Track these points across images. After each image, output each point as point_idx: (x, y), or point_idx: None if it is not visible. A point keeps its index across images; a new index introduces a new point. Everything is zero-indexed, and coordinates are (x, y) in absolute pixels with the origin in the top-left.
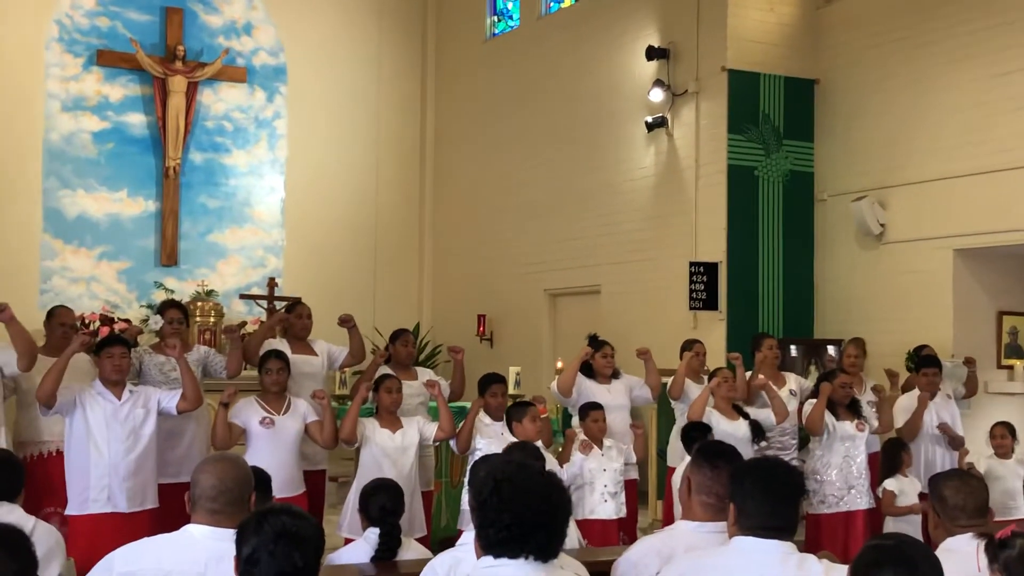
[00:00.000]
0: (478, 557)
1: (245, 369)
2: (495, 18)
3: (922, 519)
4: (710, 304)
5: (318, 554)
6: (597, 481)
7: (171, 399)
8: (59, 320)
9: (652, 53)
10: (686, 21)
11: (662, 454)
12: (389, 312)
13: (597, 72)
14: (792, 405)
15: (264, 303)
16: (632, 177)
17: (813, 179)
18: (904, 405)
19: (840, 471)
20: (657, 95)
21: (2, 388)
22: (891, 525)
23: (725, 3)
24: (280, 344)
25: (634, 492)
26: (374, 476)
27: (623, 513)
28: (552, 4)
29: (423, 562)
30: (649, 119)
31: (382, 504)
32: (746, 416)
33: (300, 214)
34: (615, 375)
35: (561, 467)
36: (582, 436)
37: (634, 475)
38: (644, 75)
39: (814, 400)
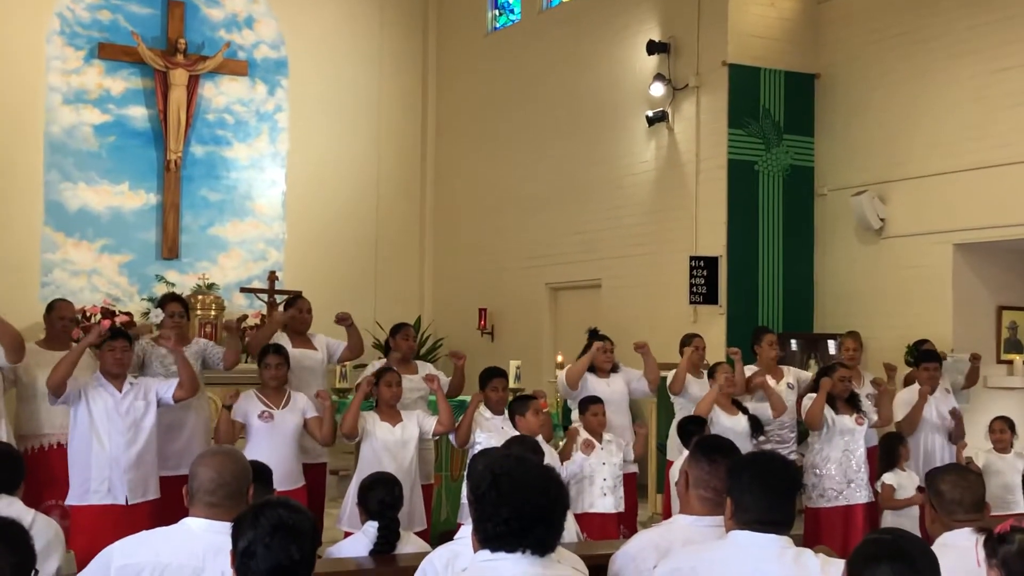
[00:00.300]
0: (476, 551)
1: (246, 362)
2: (496, 12)
3: (920, 513)
4: (710, 298)
5: (314, 547)
6: (596, 475)
7: (168, 388)
8: (59, 314)
9: (653, 47)
10: (687, 15)
11: (662, 448)
12: (390, 306)
13: (598, 66)
14: (790, 398)
15: (265, 296)
16: (633, 171)
17: (813, 174)
18: (904, 399)
19: (839, 465)
20: (658, 89)
21: (2, 380)
22: (889, 519)
23: None
24: (280, 338)
25: (633, 486)
26: (374, 470)
27: (622, 507)
28: None
29: (421, 556)
30: (650, 113)
31: (380, 498)
32: (745, 411)
33: (301, 207)
34: (614, 369)
35: (561, 463)
36: (584, 435)
37: (633, 469)
38: (645, 69)
39: (814, 394)
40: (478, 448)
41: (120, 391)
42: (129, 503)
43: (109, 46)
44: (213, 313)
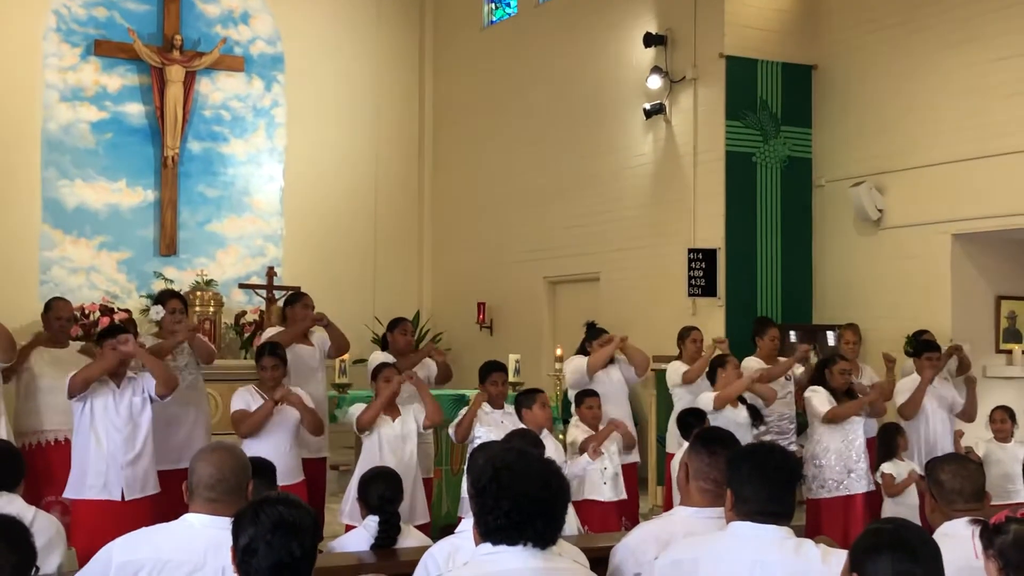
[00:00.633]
0: (477, 544)
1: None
2: (493, 6)
3: (920, 503)
4: (709, 291)
5: (315, 543)
6: (597, 466)
7: (153, 385)
8: (56, 313)
9: (650, 40)
10: (683, 8)
11: (661, 440)
12: (389, 300)
13: (595, 59)
14: (789, 390)
15: (263, 292)
16: (630, 164)
17: (811, 165)
18: (906, 386)
19: (839, 455)
20: (655, 82)
21: (1, 378)
22: (890, 509)
23: None
24: (279, 334)
25: (634, 476)
26: (375, 464)
27: (623, 495)
28: None
29: (423, 549)
30: (647, 106)
31: (380, 492)
32: (744, 401)
33: (299, 203)
34: (611, 361)
35: (564, 449)
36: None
37: (635, 459)
38: (642, 62)
39: (815, 388)
40: (478, 442)
41: (119, 387)
42: (126, 499)
43: (105, 43)
44: (212, 310)
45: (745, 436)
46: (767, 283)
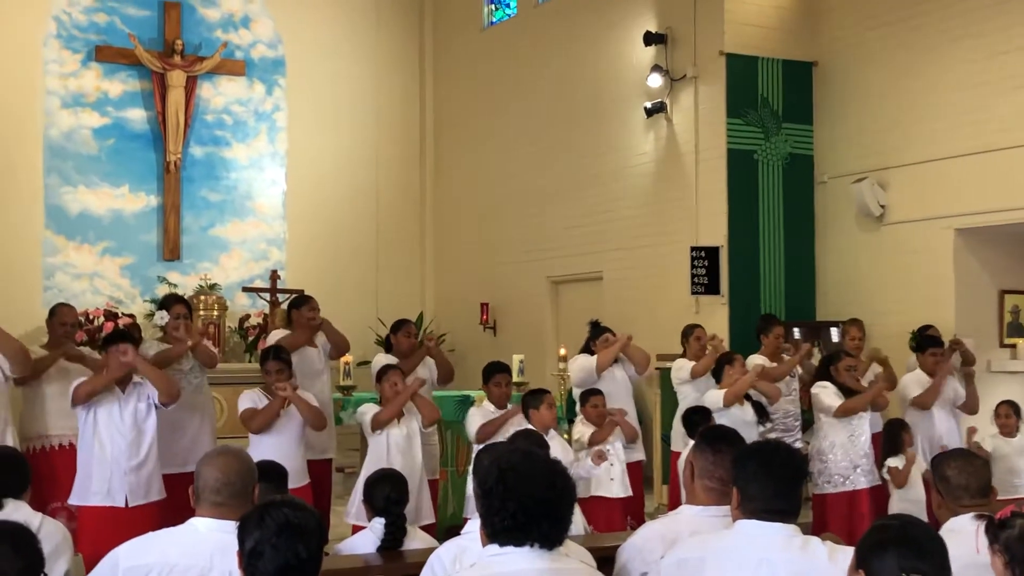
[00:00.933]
0: (483, 545)
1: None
2: (492, 7)
3: (927, 499)
4: (712, 288)
5: (321, 545)
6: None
7: (156, 393)
8: (60, 319)
9: (650, 39)
10: (683, 6)
11: (666, 439)
12: (392, 302)
13: (595, 59)
14: (794, 387)
15: (267, 296)
16: (632, 163)
17: (813, 162)
18: (913, 379)
19: (845, 451)
20: (655, 80)
21: (7, 387)
22: (897, 505)
23: None
24: (285, 338)
25: (640, 474)
26: (381, 465)
27: (629, 492)
28: None
29: (429, 551)
30: (648, 105)
31: (386, 494)
32: (748, 397)
33: (301, 206)
34: (614, 360)
35: (570, 445)
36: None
37: (640, 456)
38: (642, 61)
39: (823, 383)
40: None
41: (124, 392)
42: (130, 505)
43: (106, 49)
44: (216, 314)
45: (751, 434)
46: (770, 280)
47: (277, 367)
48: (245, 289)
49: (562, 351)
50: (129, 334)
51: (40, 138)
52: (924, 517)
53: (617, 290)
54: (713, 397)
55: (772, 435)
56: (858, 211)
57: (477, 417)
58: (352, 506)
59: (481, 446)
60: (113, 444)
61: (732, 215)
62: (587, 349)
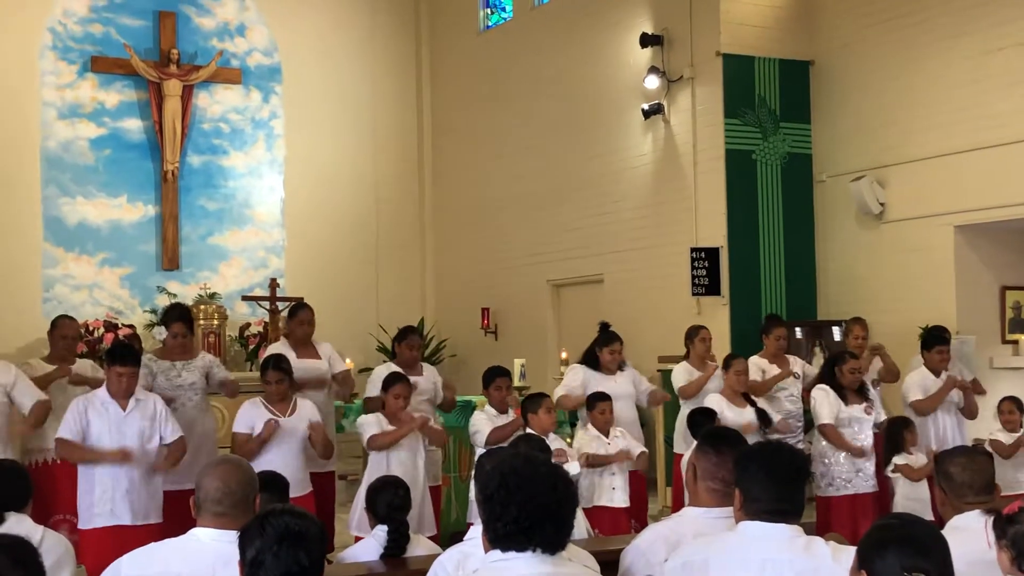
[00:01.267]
0: (486, 551)
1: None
2: (488, 11)
3: (932, 497)
4: (712, 289)
5: (323, 552)
6: (606, 470)
7: (171, 433)
8: (61, 333)
9: (646, 40)
10: (679, 7)
11: (669, 441)
12: (392, 308)
13: (592, 61)
14: (797, 388)
15: (267, 304)
16: (630, 165)
17: (811, 161)
18: (914, 381)
19: (848, 454)
20: (652, 82)
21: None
22: (902, 504)
23: None
24: (283, 347)
25: (642, 480)
26: (382, 474)
27: (627, 504)
28: None
29: (432, 558)
30: (645, 106)
31: (388, 501)
32: (753, 404)
33: (300, 213)
34: (620, 366)
35: (570, 447)
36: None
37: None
38: (639, 62)
39: (823, 387)
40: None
41: (124, 409)
42: (132, 524)
43: (102, 59)
44: (216, 323)
45: (751, 437)
46: (770, 280)
47: (277, 377)
48: (245, 298)
49: (563, 355)
50: (131, 349)
51: (37, 150)
52: (929, 515)
53: (618, 292)
54: (713, 400)
55: (774, 436)
56: (857, 209)
57: (485, 423)
58: (353, 517)
59: (483, 451)
60: (114, 464)
61: (731, 216)
62: (591, 351)
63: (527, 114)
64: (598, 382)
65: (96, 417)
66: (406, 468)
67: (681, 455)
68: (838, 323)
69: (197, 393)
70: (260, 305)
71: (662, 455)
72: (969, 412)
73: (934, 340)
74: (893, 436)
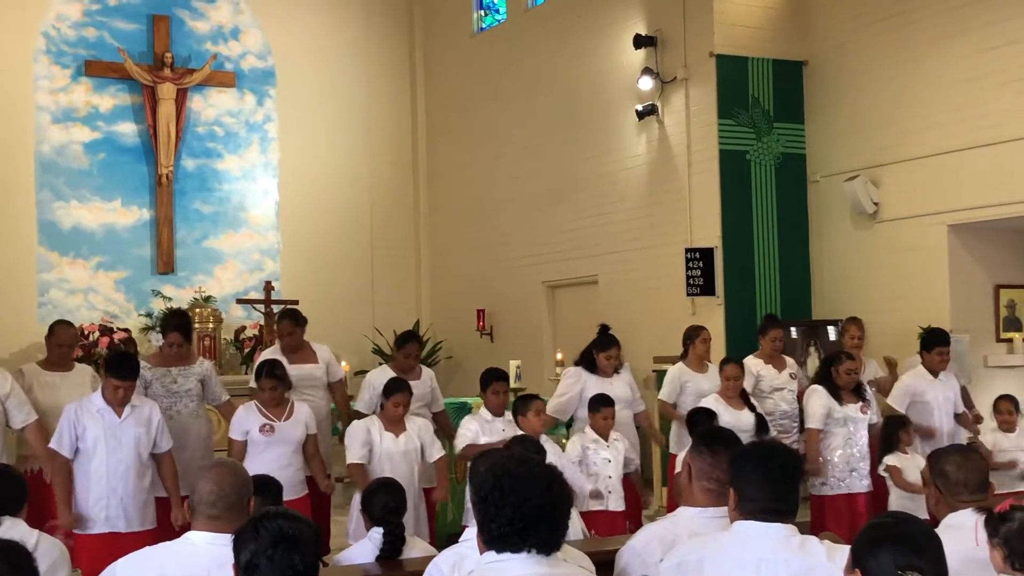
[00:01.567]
0: (481, 552)
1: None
2: (482, 12)
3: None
4: (707, 289)
5: (317, 555)
6: (602, 473)
7: (164, 443)
8: (56, 340)
9: (639, 41)
10: (672, 8)
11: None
12: (388, 310)
13: (586, 62)
14: (792, 388)
15: (262, 307)
16: (625, 166)
17: (805, 161)
18: (905, 383)
19: (843, 453)
20: (646, 83)
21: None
22: (896, 503)
23: None
24: (276, 353)
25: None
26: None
27: (622, 507)
28: None
29: (428, 560)
30: (639, 107)
31: (384, 503)
32: (752, 407)
33: (295, 216)
34: (616, 369)
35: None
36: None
37: (633, 466)
38: (632, 63)
39: (816, 388)
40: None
41: (120, 416)
42: (126, 531)
43: (96, 63)
44: (211, 326)
45: (747, 436)
46: (765, 280)
47: (270, 385)
48: (240, 301)
49: (559, 356)
50: (132, 363)
51: (31, 154)
52: (924, 514)
53: (613, 293)
54: (710, 400)
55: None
56: (852, 209)
57: (467, 433)
58: (350, 525)
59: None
60: (108, 468)
61: (726, 216)
62: (588, 352)
63: (521, 116)
64: (595, 385)
65: (91, 423)
66: (399, 473)
67: (676, 455)
68: (833, 323)
69: (193, 400)
70: (255, 308)
71: (658, 455)
72: (966, 423)
73: (935, 341)
74: (888, 435)
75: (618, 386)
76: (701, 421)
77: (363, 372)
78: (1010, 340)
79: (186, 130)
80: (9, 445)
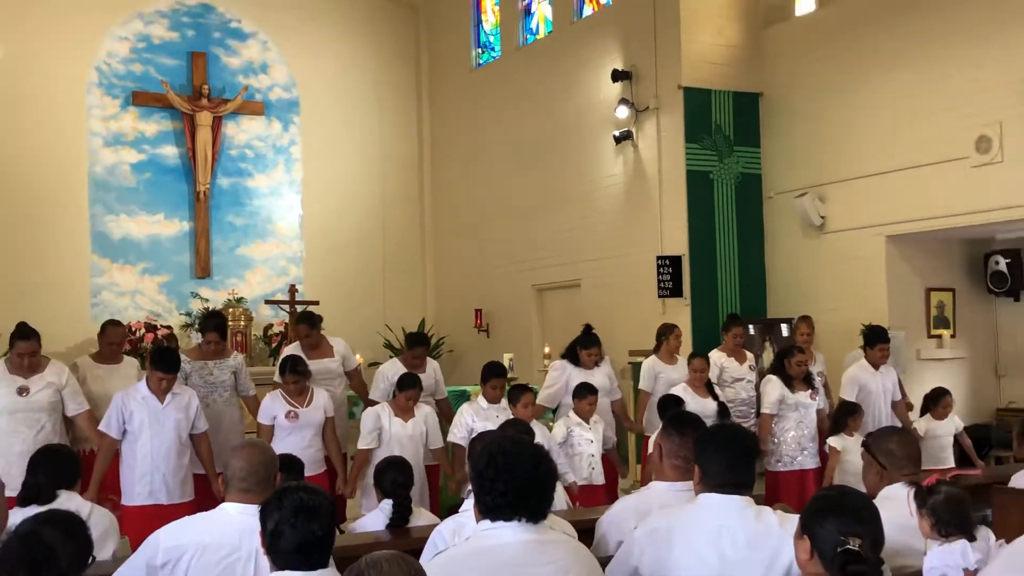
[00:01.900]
0: (477, 521)
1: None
2: (479, 50)
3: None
4: (676, 292)
5: (333, 523)
6: (585, 452)
7: (199, 424)
8: (108, 339)
9: (617, 75)
10: (645, 46)
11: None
12: (397, 310)
13: (570, 94)
14: (752, 378)
15: (287, 307)
16: (604, 184)
17: (761, 180)
18: (852, 374)
19: (794, 434)
20: (623, 112)
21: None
22: (838, 478)
23: (679, 29)
24: (297, 349)
25: (611, 463)
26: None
27: (603, 481)
28: (528, 36)
29: (431, 527)
30: (616, 133)
31: (393, 479)
32: (716, 396)
33: (316, 228)
34: (597, 362)
35: (550, 432)
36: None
37: (609, 444)
38: (610, 95)
39: (771, 377)
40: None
41: (162, 403)
42: (168, 503)
43: (142, 94)
44: (243, 324)
45: (711, 420)
46: (726, 284)
47: (293, 379)
48: (268, 302)
49: (546, 349)
50: (175, 359)
51: (85, 174)
52: (863, 488)
53: (593, 295)
54: (679, 389)
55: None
56: (801, 222)
57: (462, 426)
58: (363, 500)
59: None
60: (152, 449)
61: (692, 228)
62: (572, 349)
63: (514, 141)
64: (579, 376)
65: (138, 409)
66: (407, 454)
67: (649, 436)
68: (786, 321)
69: (227, 389)
70: (281, 308)
71: (633, 436)
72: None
73: (876, 338)
74: (838, 419)
75: (598, 377)
76: (670, 406)
77: (376, 364)
78: (939, 336)
79: (221, 152)
80: (65, 429)
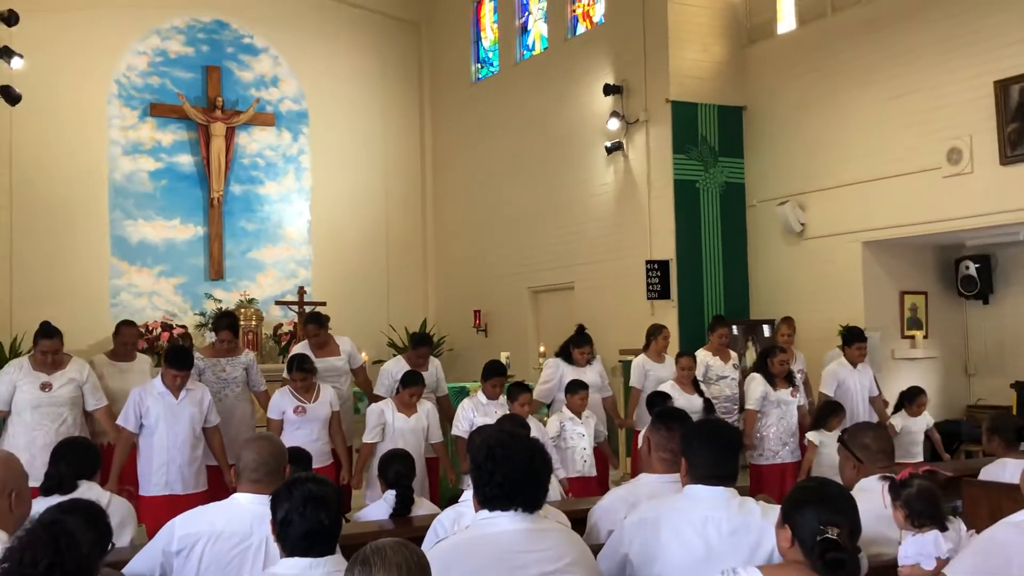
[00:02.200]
0: (476, 511)
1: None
2: (478, 65)
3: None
4: (664, 294)
5: (340, 512)
6: (578, 445)
7: (212, 418)
8: (122, 339)
9: (608, 90)
10: (635, 62)
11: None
12: (400, 311)
13: (564, 107)
14: (735, 377)
15: (295, 308)
16: (596, 192)
17: (744, 189)
18: (831, 370)
19: (776, 430)
20: (614, 124)
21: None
22: (816, 471)
23: (667, 46)
24: (304, 348)
25: (603, 456)
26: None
27: (595, 473)
28: (525, 52)
29: (432, 517)
30: (608, 144)
31: (397, 470)
32: (701, 392)
33: (324, 233)
34: (589, 360)
35: (544, 426)
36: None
37: (600, 438)
38: (602, 108)
39: (754, 375)
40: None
41: (177, 398)
42: (183, 493)
43: (159, 105)
44: (254, 323)
45: (697, 416)
46: (711, 287)
47: (301, 376)
48: (278, 303)
49: (541, 348)
50: (188, 356)
51: (105, 180)
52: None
53: (586, 298)
54: (667, 386)
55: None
56: (782, 229)
57: (464, 419)
58: (367, 491)
59: (474, 428)
60: (168, 442)
61: (679, 234)
62: (566, 348)
63: (511, 151)
64: (572, 373)
65: (154, 404)
66: (409, 447)
67: (639, 431)
68: (768, 322)
69: (239, 386)
70: (291, 309)
71: (623, 431)
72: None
73: (854, 338)
74: (819, 416)
75: (590, 375)
76: (659, 402)
77: (380, 361)
78: (912, 337)
79: (234, 161)
80: (85, 423)
